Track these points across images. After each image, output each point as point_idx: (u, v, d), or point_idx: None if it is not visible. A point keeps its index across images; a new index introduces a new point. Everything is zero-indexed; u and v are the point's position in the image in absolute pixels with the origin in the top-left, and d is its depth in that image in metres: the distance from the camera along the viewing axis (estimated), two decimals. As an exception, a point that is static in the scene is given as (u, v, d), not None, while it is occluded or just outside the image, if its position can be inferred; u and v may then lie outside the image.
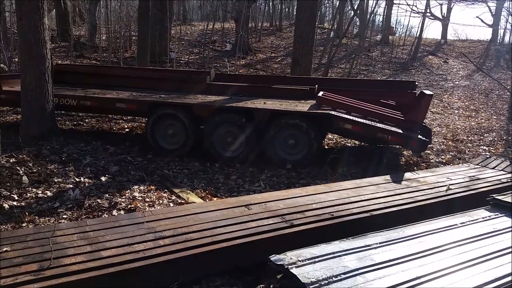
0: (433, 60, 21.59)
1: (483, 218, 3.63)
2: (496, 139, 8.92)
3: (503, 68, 20.37)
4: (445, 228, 3.36)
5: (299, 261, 2.67)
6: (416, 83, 6.84)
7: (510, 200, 3.82)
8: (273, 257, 2.73)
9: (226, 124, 5.82)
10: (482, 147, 7.98)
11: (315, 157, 5.70)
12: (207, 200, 4.30)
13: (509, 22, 26.67)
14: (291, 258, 2.70)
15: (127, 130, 7.65)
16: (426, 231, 3.25)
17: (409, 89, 6.70)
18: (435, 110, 11.54)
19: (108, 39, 17.33)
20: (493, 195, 3.98)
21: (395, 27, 29.95)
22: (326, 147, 7.08)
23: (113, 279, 2.48)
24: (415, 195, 4.05)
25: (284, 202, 3.69)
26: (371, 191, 4.12)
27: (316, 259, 2.70)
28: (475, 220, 3.58)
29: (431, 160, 6.33)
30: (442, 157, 6.65)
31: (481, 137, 8.85)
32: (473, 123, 10.34)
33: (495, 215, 3.72)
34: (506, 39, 28.20)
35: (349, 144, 7.18)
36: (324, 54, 18.81)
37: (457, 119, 10.75)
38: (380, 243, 3.01)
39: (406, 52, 22.01)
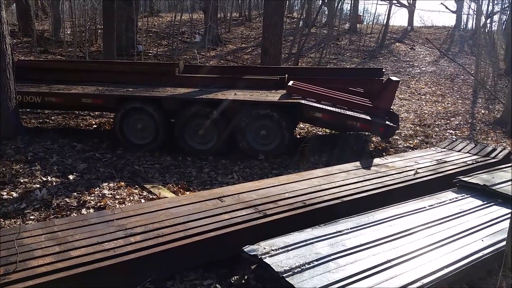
0: (400, 47, 21.98)
1: (450, 200, 3.74)
2: (461, 122, 9.21)
3: (467, 53, 20.98)
4: (413, 211, 3.45)
5: (273, 250, 2.69)
6: (383, 70, 6.96)
7: (475, 182, 3.95)
8: (247, 248, 2.73)
9: (197, 116, 5.76)
10: (448, 131, 8.22)
11: (287, 147, 5.73)
12: (179, 194, 4.25)
13: (471, 8, 27.39)
14: (264, 248, 2.71)
15: (95, 126, 7.47)
16: (396, 215, 3.33)
17: (376, 76, 6.81)
18: (402, 96, 11.79)
19: (72, 33, 16.80)
20: (459, 177, 4.11)
21: (363, 16, 30.34)
22: (298, 136, 7.12)
23: (83, 279, 2.43)
24: (384, 180, 4.14)
25: (257, 193, 3.69)
26: (342, 178, 4.18)
27: (289, 248, 2.73)
28: (442, 202, 3.69)
29: (399, 146, 6.47)
30: (410, 142, 6.81)
31: (448, 121, 9.11)
32: (439, 108, 10.63)
33: (461, 196, 3.84)
34: (469, 25, 28.97)
35: (320, 133, 7.24)
36: (294, 43, 18.85)
37: (424, 104, 11.01)
38: (351, 228, 3.06)
39: (374, 40, 22.32)
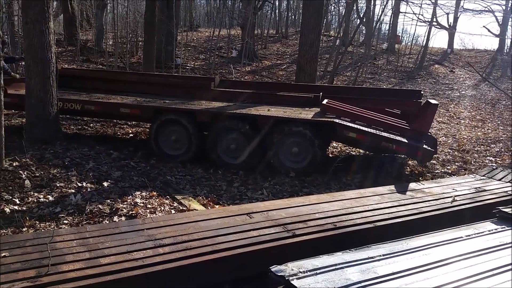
0: (439, 69, 21.52)
1: (489, 231, 3.56)
2: (502, 149, 8.83)
3: (509, 78, 20.25)
4: (450, 240, 3.30)
5: (300, 272, 2.62)
6: (422, 92, 6.79)
7: (516, 213, 3.75)
8: (274, 268, 2.68)
9: (230, 130, 5.80)
10: (488, 157, 7.90)
11: (319, 165, 5.66)
12: (209, 207, 4.26)
13: (516, 32, 26.56)
14: (292, 269, 2.65)
15: (131, 135, 7.65)
16: (431, 244, 3.20)
17: (414, 98, 6.65)
18: (441, 119, 11.47)
19: (114, 44, 17.43)
20: (499, 207, 3.92)
21: (401, 36, 29.92)
22: (331, 155, 7.03)
23: (111, 287, 2.44)
24: (420, 206, 3.99)
25: (286, 211, 3.64)
26: (375, 201, 4.07)
27: (318, 271, 2.65)
28: (480, 233, 3.51)
29: (436, 171, 6.26)
30: (448, 167, 6.58)
31: (488, 147, 8.76)
32: (479, 133, 10.26)
33: (501, 228, 3.65)
34: (513, 49, 27.99)
35: (353, 153, 7.12)
36: (330, 61, 18.82)
37: (463, 129, 10.66)
38: (383, 255, 2.96)
39: (412, 61, 21.96)
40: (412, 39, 31.58)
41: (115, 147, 6.25)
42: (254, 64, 19.69)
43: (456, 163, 6.97)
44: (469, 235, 3.46)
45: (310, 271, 2.64)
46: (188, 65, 18.06)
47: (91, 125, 8.13)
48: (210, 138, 5.88)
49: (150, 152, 6.17)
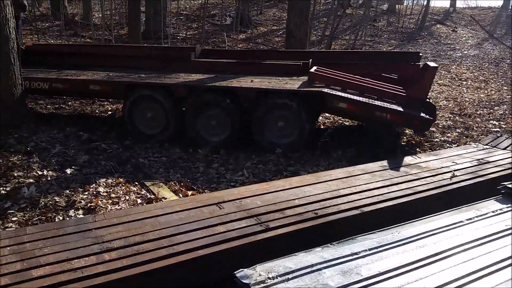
0: (441, 29, 20.63)
1: (493, 212, 3.12)
2: (507, 112, 8.31)
3: (515, 35, 19.40)
4: (448, 226, 2.86)
5: (269, 278, 2.20)
6: (420, 54, 6.21)
7: (524, 189, 3.30)
8: (239, 273, 2.26)
9: (209, 105, 5.31)
10: (491, 121, 7.39)
11: (308, 140, 5.19)
12: (180, 194, 3.83)
13: (521, -13, 25.38)
14: (260, 275, 2.23)
15: (110, 112, 7.16)
16: (426, 232, 2.76)
17: (412, 61, 6.08)
18: (442, 82, 10.87)
19: (102, 16, 16.66)
20: (505, 183, 3.46)
21: (404, -4, 28.68)
22: (322, 127, 6.54)
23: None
24: (415, 185, 3.54)
25: (262, 198, 3.21)
26: (365, 181, 3.62)
27: (290, 275, 2.23)
28: (484, 214, 3.07)
29: (436, 139, 5.78)
30: (448, 135, 6.09)
31: (491, 110, 8.24)
32: (482, 95, 9.70)
33: (507, 207, 3.20)
34: (519, 5, 26.86)
35: (347, 123, 6.62)
36: (328, 25, 17.99)
37: (465, 91, 10.09)
38: (369, 249, 2.53)
39: (414, 22, 21.04)
40: (413, -2, 30.26)
41: (88, 127, 5.76)
42: (249, 31, 18.89)
43: (457, 130, 6.48)
44: (470, 219, 3.01)
45: (281, 275, 2.22)
46: (180, 34, 17.33)
47: (70, 103, 7.63)
48: (188, 114, 5.40)
49: (126, 132, 5.71)
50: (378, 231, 2.75)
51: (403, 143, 5.54)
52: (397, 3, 24.29)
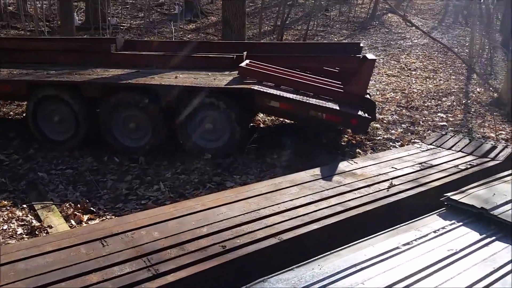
0: (393, 18, 20.62)
1: (435, 232, 2.66)
2: (454, 103, 8.12)
3: (461, 24, 19.68)
4: (381, 256, 2.38)
5: None
6: (361, 45, 5.76)
7: (469, 202, 2.88)
8: None
9: (126, 106, 4.63)
10: (439, 114, 7.13)
11: (240, 143, 4.63)
12: (72, 220, 3.16)
13: (468, -24, 25.89)
14: None
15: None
16: (351, 266, 2.26)
17: (352, 52, 5.62)
18: (391, 72, 10.63)
19: (35, 7, 15.35)
20: (448, 194, 3.04)
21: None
22: (262, 125, 6.00)
23: None
24: (347, 199, 3.05)
25: (163, 228, 2.61)
26: (291, 196, 3.10)
27: None
28: (424, 236, 2.61)
29: (378, 137, 5.37)
30: (393, 131, 5.71)
31: (439, 101, 8.01)
32: (430, 86, 9.50)
33: (451, 224, 2.77)
34: (465, -6, 27.53)
35: (287, 121, 6.09)
36: (279, 15, 17.50)
37: (413, 81, 9.88)
38: (282, 296, 2.01)
39: (365, 11, 20.92)
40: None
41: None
42: (199, 21, 18.08)
43: (403, 125, 6.12)
44: (408, 243, 2.56)
45: None
46: (123, 24, 16.32)
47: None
48: (103, 116, 4.69)
49: (33, 137, 4.92)
50: (296, 267, 2.23)
51: (343, 143, 5.08)
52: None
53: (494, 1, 21.26)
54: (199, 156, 4.62)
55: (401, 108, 7.28)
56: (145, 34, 15.43)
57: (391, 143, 5.17)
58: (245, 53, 5.55)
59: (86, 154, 4.62)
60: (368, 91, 5.23)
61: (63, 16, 11.74)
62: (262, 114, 6.10)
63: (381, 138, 5.33)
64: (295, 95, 4.44)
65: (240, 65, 4.78)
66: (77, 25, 15.17)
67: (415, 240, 2.58)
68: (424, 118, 6.70)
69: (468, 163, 3.86)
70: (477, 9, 15.61)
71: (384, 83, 9.39)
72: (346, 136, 5.18)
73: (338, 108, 4.32)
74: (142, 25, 16.71)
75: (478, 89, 9.35)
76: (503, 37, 14.67)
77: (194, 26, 17.38)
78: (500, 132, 6.09)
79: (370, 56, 4.66)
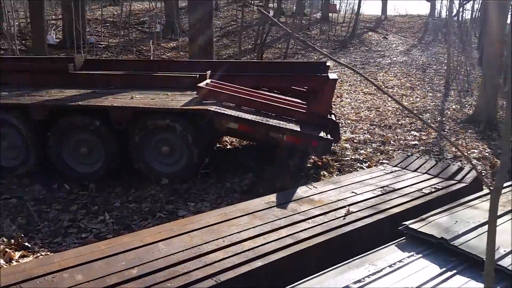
0: (373, 36, 20.86)
1: (391, 266, 2.43)
2: (429, 120, 8.03)
3: (440, 41, 19.94)
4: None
5: None
6: (328, 64, 5.62)
7: (429, 232, 2.66)
8: None
9: (76, 129, 4.37)
10: (412, 132, 7.01)
11: (198, 166, 4.38)
12: (1, 259, 2.86)
13: (446, -4, 26.52)
14: None
15: None
16: (293, 312, 2.03)
17: (319, 71, 5.47)
18: (367, 90, 10.56)
19: (16, 25, 15.12)
20: (407, 222, 2.83)
21: (340, 5, 29.06)
22: (229, 147, 5.78)
23: None
24: (299, 229, 2.81)
25: (88, 269, 2.32)
26: (240, 228, 2.85)
27: None
28: (378, 272, 2.38)
29: (346, 158, 5.17)
30: (362, 151, 5.52)
31: (413, 119, 7.90)
32: (406, 103, 9.44)
33: (409, 256, 2.54)
34: (443, 13, 28.20)
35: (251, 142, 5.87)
36: (259, 34, 17.55)
37: (389, 99, 9.80)
38: None
39: (346, 30, 21.13)
40: (346, 7, 30.82)
41: None
42: (180, 39, 18.04)
43: (373, 144, 5.95)
44: (359, 280, 2.33)
45: None
46: (102, 43, 16.18)
47: None
48: (53, 141, 4.41)
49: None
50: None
51: (309, 165, 4.87)
52: (332, 11, 24.45)
53: (473, 19, 21.72)
54: (156, 181, 4.36)
55: (374, 126, 7.14)
56: (122, 52, 15.29)
57: (358, 164, 4.98)
58: (208, 72, 5.35)
59: (35, 182, 4.31)
60: (333, 111, 5.07)
61: (35, 35, 11.52)
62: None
63: (348, 158, 5.13)
64: (255, 116, 4.23)
65: (198, 85, 4.57)
66: (54, 43, 14.96)
67: (367, 276, 2.35)
68: (396, 137, 6.55)
69: (433, 186, 3.67)
70: (455, 28, 15.81)
71: (359, 101, 9.29)
72: (312, 157, 4.97)
73: (298, 129, 4.12)
74: (122, 44, 16.60)
75: (454, 106, 9.31)
76: (480, 55, 14.83)
77: (175, 44, 17.33)
78: (472, 151, 5.96)
79: (332, 75, 4.49)
